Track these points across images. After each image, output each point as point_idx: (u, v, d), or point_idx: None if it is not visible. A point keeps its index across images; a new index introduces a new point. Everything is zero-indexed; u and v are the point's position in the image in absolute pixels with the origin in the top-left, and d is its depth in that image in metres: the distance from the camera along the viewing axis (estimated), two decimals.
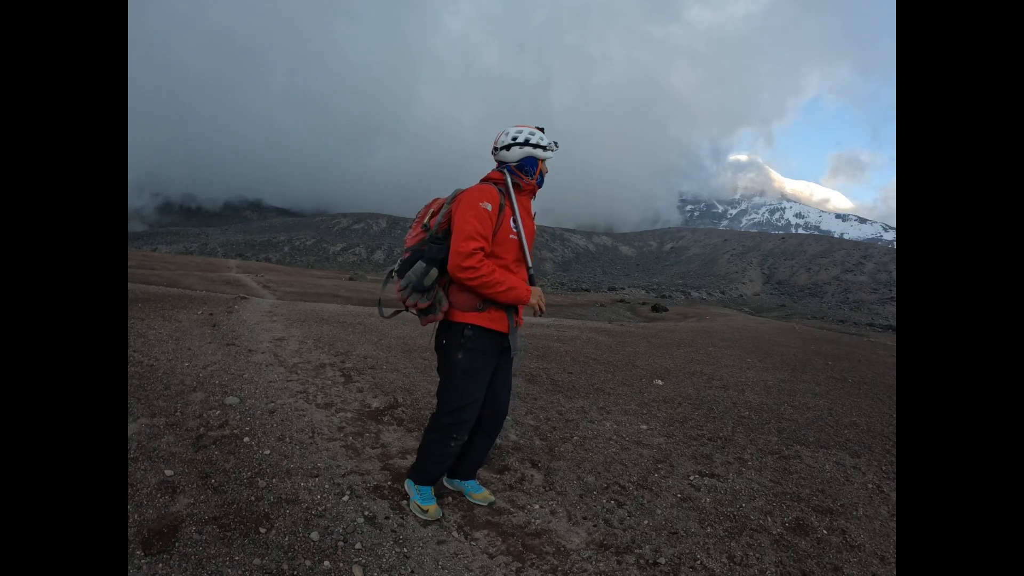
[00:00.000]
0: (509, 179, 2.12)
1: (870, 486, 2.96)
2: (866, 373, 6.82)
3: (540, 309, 2.15)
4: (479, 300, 2.07)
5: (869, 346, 11.09)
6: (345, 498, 2.30)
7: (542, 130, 2.17)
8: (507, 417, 2.42)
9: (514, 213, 2.09)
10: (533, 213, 2.23)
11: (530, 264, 2.14)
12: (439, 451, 2.21)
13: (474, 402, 2.16)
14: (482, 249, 1.98)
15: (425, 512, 2.24)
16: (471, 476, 2.46)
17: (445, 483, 2.51)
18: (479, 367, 2.13)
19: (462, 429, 2.18)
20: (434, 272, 2.03)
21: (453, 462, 2.35)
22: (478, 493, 2.43)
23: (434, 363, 5.23)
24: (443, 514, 2.28)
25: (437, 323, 2.15)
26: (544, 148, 2.14)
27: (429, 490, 2.30)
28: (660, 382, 5.07)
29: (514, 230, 2.09)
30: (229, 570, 1.78)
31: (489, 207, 2.01)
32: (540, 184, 2.21)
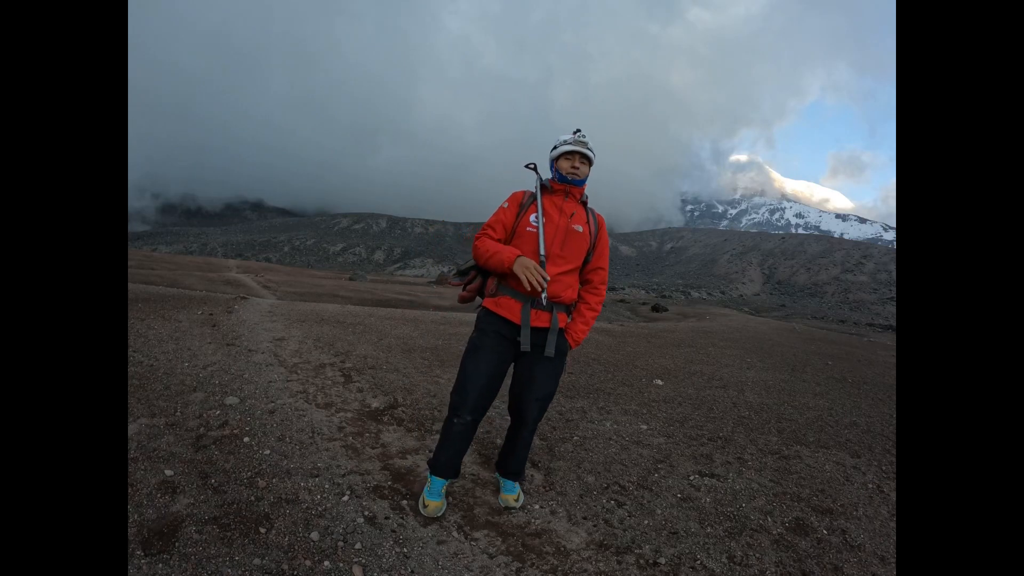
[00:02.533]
0: (536, 181, 2.35)
1: (870, 486, 2.96)
2: (866, 373, 6.82)
3: (530, 284, 2.03)
4: (496, 286, 2.26)
5: (869, 346, 11.09)
6: (345, 498, 2.30)
7: (576, 131, 2.32)
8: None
9: (537, 210, 2.25)
10: (571, 213, 2.29)
11: (542, 254, 2.18)
12: (445, 430, 2.30)
13: (470, 381, 2.22)
14: (487, 235, 2.27)
15: (425, 507, 2.25)
16: (508, 475, 2.46)
17: (498, 474, 2.53)
18: (481, 347, 2.25)
19: (462, 408, 2.23)
20: (472, 261, 2.38)
21: (466, 448, 2.34)
22: (504, 494, 2.44)
23: (434, 363, 5.21)
24: (443, 513, 2.28)
25: (477, 310, 2.38)
26: (555, 147, 2.30)
27: (440, 485, 2.30)
28: (660, 382, 5.07)
29: (532, 224, 2.22)
30: (229, 570, 1.78)
31: (506, 205, 2.31)
32: (562, 180, 2.28)
